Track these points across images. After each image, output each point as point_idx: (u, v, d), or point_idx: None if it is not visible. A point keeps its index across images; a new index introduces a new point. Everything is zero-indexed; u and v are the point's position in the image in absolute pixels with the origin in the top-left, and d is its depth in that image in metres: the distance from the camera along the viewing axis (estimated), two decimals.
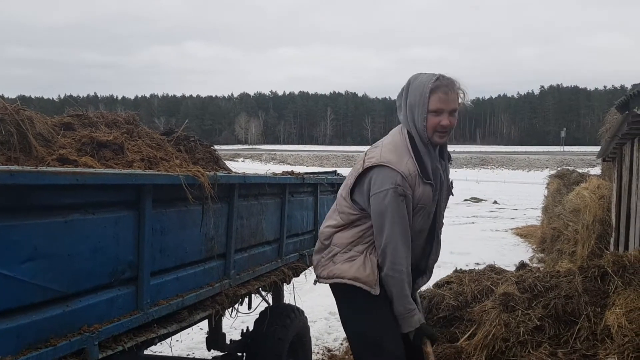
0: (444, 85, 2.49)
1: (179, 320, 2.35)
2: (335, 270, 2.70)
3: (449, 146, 2.87)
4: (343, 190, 2.76)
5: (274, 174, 3.64)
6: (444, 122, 2.51)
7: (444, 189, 2.73)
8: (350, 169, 2.82)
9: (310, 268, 4.21)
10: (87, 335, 1.81)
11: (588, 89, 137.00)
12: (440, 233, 2.85)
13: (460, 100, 2.57)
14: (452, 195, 2.87)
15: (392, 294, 2.60)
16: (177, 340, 5.49)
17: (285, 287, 4.07)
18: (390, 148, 2.60)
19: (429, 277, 2.92)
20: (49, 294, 1.72)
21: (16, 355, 1.59)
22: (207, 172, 2.48)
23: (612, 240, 7.33)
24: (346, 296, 2.74)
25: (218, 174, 2.59)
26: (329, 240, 2.76)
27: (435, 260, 2.88)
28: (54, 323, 1.73)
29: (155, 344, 2.42)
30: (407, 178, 2.50)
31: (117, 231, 2.01)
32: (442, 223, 2.84)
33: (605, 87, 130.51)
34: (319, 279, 2.84)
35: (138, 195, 2.10)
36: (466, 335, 4.58)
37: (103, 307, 1.94)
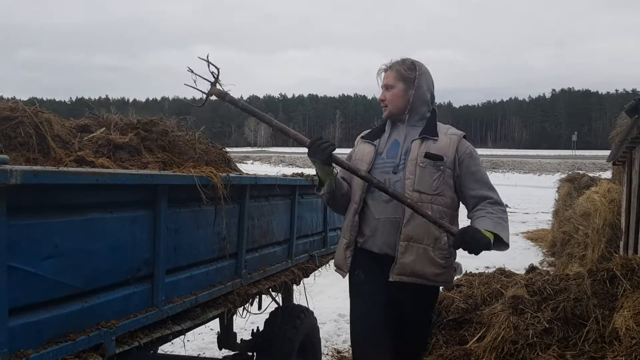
0: (382, 68, 2.86)
1: (192, 318, 2.41)
2: (337, 253, 2.93)
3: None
4: None
5: (285, 175, 3.69)
6: (380, 97, 2.87)
7: (411, 159, 2.65)
8: None
9: (320, 269, 4.27)
10: (105, 331, 1.87)
11: (600, 93, 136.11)
12: (420, 212, 2.54)
13: (399, 78, 2.78)
14: (436, 165, 2.64)
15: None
16: (189, 340, 5.54)
17: (296, 288, 4.12)
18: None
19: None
20: (69, 290, 1.78)
21: (37, 349, 1.65)
22: (220, 173, 2.54)
23: (622, 244, 7.31)
24: (353, 287, 2.84)
25: (230, 175, 2.65)
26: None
27: (409, 237, 2.62)
28: (73, 318, 1.79)
29: (170, 341, 2.48)
30: (357, 140, 2.97)
31: (133, 230, 2.07)
32: (419, 197, 2.60)
33: (617, 90, 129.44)
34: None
35: (154, 195, 2.16)
36: (475, 338, 4.60)
37: (120, 303, 2.00)
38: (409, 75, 2.77)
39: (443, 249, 2.63)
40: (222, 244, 2.69)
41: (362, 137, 2.93)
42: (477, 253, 2.46)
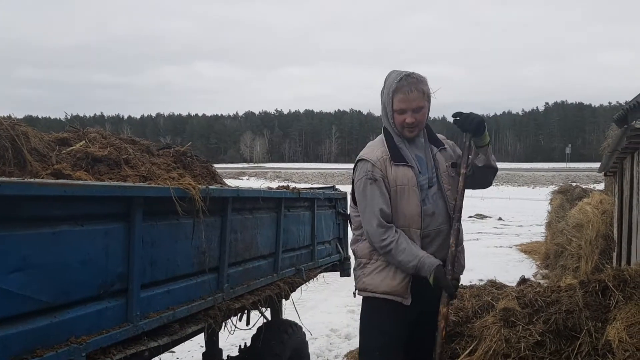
0: (405, 85, 2.67)
1: (170, 334, 2.35)
2: (368, 281, 2.81)
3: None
4: (349, 196, 3.01)
5: (269, 188, 3.65)
6: (408, 120, 2.70)
7: (442, 171, 2.81)
8: None
9: (307, 284, 4.21)
10: (75, 347, 1.81)
11: (593, 105, 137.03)
12: (458, 217, 2.79)
13: (424, 97, 2.72)
14: (462, 173, 2.81)
15: (395, 264, 2.70)
16: (177, 358, 5.48)
17: (287, 302, 4.06)
18: (369, 144, 2.91)
19: (458, 267, 2.87)
20: (37, 305, 1.73)
21: None
22: (200, 186, 2.50)
23: (614, 255, 7.28)
24: (374, 308, 2.81)
25: (210, 187, 2.61)
26: (355, 254, 2.93)
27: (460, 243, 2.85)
28: (41, 334, 1.73)
29: (147, 359, 2.41)
30: (377, 163, 2.73)
31: (106, 243, 2.02)
32: (459, 205, 2.78)
33: (610, 103, 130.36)
34: (357, 290, 2.91)
35: (128, 208, 2.11)
36: (467, 352, 4.54)
37: (92, 318, 1.95)
38: (429, 93, 2.77)
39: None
40: (202, 257, 2.64)
41: (393, 161, 2.73)
42: (477, 127, 2.72)
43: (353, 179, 2.87)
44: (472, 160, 2.86)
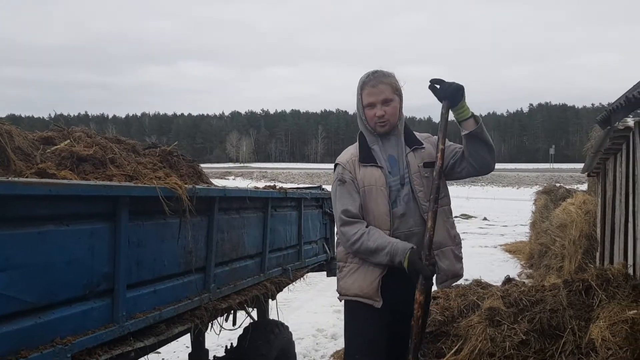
0: (371, 79, 2.72)
1: (156, 334, 2.33)
2: (344, 285, 2.80)
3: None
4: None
5: (256, 187, 3.64)
6: (378, 113, 2.71)
7: (413, 172, 2.75)
8: None
9: (294, 283, 4.21)
10: (60, 348, 1.79)
11: (576, 107, 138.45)
12: (435, 199, 2.65)
13: (392, 90, 2.72)
14: (439, 149, 2.70)
15: (369, 257, 2.67)
16: (163, 359, 5.44)
17: (273, 302, 4.06)
18: (346, 149, 2.93)
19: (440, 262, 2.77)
20: (21, 305, 1.70)
21: None
22: (186, 185, 2.49)
23: (597, 254, 7.36)
24: (353, 312, 2.80)
25: (197, 187, 2.59)
26: (339, 255, 2.89)
27: (439, 245, 2.76)
28: (25, 335, 1.71)
29: (136, 359, 2.39)
30: (346, 165, 2.78)
31: (92, 243, 2.00)
32: (436, 185, 2.65)
33: (593, 104, 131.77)
34: (339, 290, 2.89)
35: (114, 207, 2.09)
36: (452, 351, 4.57)
37: (77, 319, 1.93)
38: (398, 87, 2.78)
39: (459, 244, 2.89)
40: (188, 257, 2.62)
41: (361, 162, 2.75)
42: (452, 95, 2.63)
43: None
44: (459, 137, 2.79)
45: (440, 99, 2.68)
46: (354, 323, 2.79)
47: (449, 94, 2.63)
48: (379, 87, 2.70)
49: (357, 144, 2.86)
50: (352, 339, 2.81)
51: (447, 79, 2.67)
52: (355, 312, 2.77)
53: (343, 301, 2.86)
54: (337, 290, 2.87)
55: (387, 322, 2.74)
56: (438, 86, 2.67)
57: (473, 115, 2.69)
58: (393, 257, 2.59)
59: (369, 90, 2.72)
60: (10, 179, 1.66)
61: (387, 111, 2.71)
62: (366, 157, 2.77)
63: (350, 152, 2.84)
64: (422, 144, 2.84)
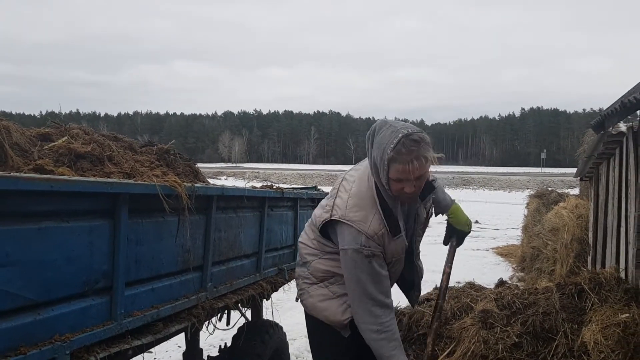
0: (404, 154, 2.22)
1: (153, 332, 2.32)
2: (309, 303, 2.71)
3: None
4: (316, 218, 2.62)
5: (254, 187, 3.64)
6: (407, 190, 2.32)
7: (418, 225, 2.66)
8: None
9: (289, 283, 4.20)
10: (59, 345, 1.78)
11: (568, 112, 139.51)
12: (418, 259, 2.82)
13: (427, 164, 2.30)
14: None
15: (374, 351, 2.50)
16: (155, 358, 5.42)
17: (266, 303, 4.05)
18: (356, 202, 2.44)
19: (419, 292, 2.97)
20: (20, 302, 1.70)
21: None
22: (185, 183, 2.48)
23: (589, 258, 7.41)
24: (318, 329, 2.75)
25: (196, 185, 2.59)
26: (308, 263, 2.69)
27: (419, 279, 2.89)
28: (24, 331, 1.70)
29: (130, 357, 2.38)
30: (374, 237, 2.38)
31: (91, 240, 1.99)
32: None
33: (584, 109, 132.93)
34: (299, 299, 2.82)
35: (114, 204, 2.09)
36: (445, 353, 4.58)
37: (76, 316, 1.92)
38: (432, 157, 2.32)
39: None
40: (186, 256, 2.62)
41: (392, 235, 2.42)
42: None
43: (326, 228, 2.54)
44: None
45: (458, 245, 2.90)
46: (320, 343, 2.77)
47: (462, 241, 2.90)
48: (414, 165, 2.23)
49: (376, 204, 2.41)
50: (319, 353, 2.79)
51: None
52: (321, 332, 2.71)
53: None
54: (301, 298, 2.76)
55: (354, 343, 2.63)
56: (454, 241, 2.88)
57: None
58: None
59: (399, 168, 2.24)
60: (12, 174, 1.65)
61: (418, 186, 2.33)
62: (394, 228, 2.42)
63: (376, 220, 2.39)
64: (433, 189, 2.61)
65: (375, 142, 2.32)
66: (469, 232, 2.86)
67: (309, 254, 2.69)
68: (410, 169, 2.23)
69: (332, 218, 2.45)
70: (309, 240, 2.71)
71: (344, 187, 2.54)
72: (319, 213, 2.59)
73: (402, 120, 2.65)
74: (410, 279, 2.84)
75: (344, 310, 2.58)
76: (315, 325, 2.75)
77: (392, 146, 2.22)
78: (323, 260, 2.62)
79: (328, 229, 2.54)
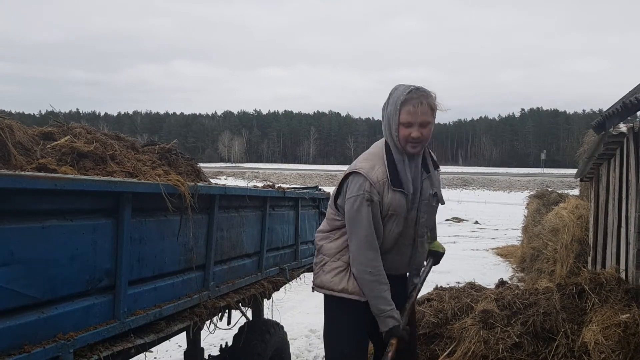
0: (414, 98, 2.57)
1: (156, 331, 2.33)
2: (326, 280, 2.81)
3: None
4: (331, 198, 2.89)
5: (255, 186, 3.65)
6: (414, 134, 2.59)
7: (423, 199, 2.77)
8: (333, 187, 2.95)
9: (290, 283, 4.21)
10: (62, 343, 1.79)
11: (567, 112, 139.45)
12: (424, 242, 2.89)
13: (432, 113, 2.63)
14: (443, 204, 2.92)
15: (366, 294, 2.70)
16: (155, 358, 5.42)
17: (267, 302, 4.05)
18: (366, 156, 2.76)
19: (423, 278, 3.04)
20: (24, 300, 1.70)
21: None
22: (188, 183, 2.49)
23: (590, 259, 7.42)
24: (334, 306, 2.83)
25: (199, 184, 2.60)
26: (320, 250, 2.87)
27: (418, 265, 2.94)
28: (28, 330, 1.71)
29: (132, 356, 2.39)
30: (375, 185, 2.62)
31: (95, 239, 2.00)
32: (427, 233, 2.88)
33: (584, 110, 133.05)
34: (314, 286, 2.91)
35: (117, 203, 2.09)
36: (446, 353, 4.59)
37: (79, 315, 1.92)
38: (436, 108, 2.67)
39: None
40: (189, 255, 2.62)
41: (392, 186, 2.64)
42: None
43: (341, 186, 2.77)
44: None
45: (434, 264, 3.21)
46: (337, 323, 2.82)
47: (439, 261, 3.23)
48: (422, 107, 2.57)
49: (382, 157, 2.69)
50: (339, 333, 2.82)
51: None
52: (339, 310, 2.80)
53: (323, 298, 2.88)
54: (317, 284, 2.86)
55: (371, 318, 2.74)
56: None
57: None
58: (378, 317, 2.68)
59: (411, 109, 2.57)
60: (17, 172, 1.65)
61: (423, 133, 2.61)
62: (396, 180, 2.65)
63: (380, 170, 2.66)
64: (438, 167, 2.89)
65: (390, 99, 2.67)
66: (444, 254, 3.24)
67: (321, 238, 2.88)
68: (418, 111, 2.56)
69: (348, 171, 2.74)
70: (322, 225, 2.93)
71: (362, 154, 2.87)
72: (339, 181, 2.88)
73: None
74: (412, 259, 2.87)
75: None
76: (335, 306, 2.82)
77: (405, 93, 2.59)
78: (332, 240, 2.83)
79: (339, 194, 2.80)
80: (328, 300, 2.85)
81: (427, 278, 3.17)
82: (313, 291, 2.94)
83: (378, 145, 2.78)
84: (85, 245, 1.96)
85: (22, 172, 1.70)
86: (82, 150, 2.66)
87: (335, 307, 2.84)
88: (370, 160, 2.71)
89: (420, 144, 2.64)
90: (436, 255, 3.19)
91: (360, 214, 2.63)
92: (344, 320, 2.79)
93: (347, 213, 2.69)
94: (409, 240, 2.79)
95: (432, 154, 2.87)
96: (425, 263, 3.03)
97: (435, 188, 2.83)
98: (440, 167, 2.99)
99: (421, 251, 2.88)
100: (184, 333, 2.97)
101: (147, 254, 2.31)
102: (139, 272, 2.26)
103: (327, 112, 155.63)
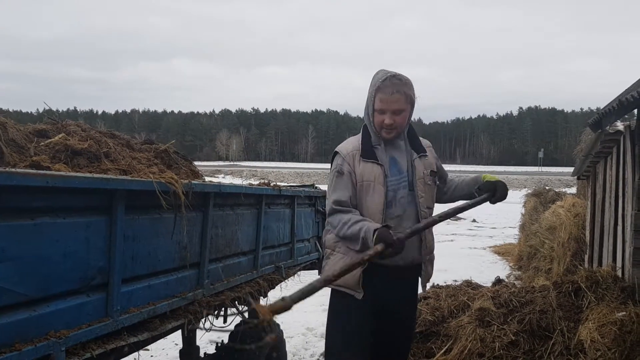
0: (387, 86, 2.64)
1: (150, 329, 2.32)
2: (326, 272, 2.77)
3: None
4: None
5: (251, 184, 3.64)
6: (387, 121, 2.67)
7: (418, 178, 2.78)
8: None
9: (286, 281, 4.20)
10: (54, 341, 1.78)
11: (565, 111, 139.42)
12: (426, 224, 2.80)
13: (406, 100, 2.68)
14: (437, 183, 2.95)
15: (351, 246, 2.67)
16: (152, 356, 5.41)
17: (263, 301, 4.05)
18: (348, 139, 2.89)
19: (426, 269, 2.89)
20: (15, 298, 1.69)
21: None
22: (182, 180, 2.48)
23: (586, 257, 7.43)
24: (333, 299, 2.86)
25: (193, 182, 2.58)
26: (327, 242, 2.88)
27: (430, 250, 2.89)
28: (19, 327, 1.70)
29: (126, 355, 2.38)
30: (346, 157, 2.73)
31: (87, 236, 1.99)
32: (428, 212, 2.81)
33: (582, 109, 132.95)
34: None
35: (110, 201, 2.08)
36: (442, 351, 4.59)
37: (71, 312, 1.92)
38: (412, 96, 2.73)
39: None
40: (183, 253, 2.61)
41: (362, 157, 2.73)
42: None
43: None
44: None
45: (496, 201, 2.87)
46: (335, 314, 2.84)
47: (503, 198, 2.85)
48: (394, 96, 2.65)
49: (359, 136, 2.82)
50: (332, 331, 2.85)
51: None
52: (337, 303, 2.81)
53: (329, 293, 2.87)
54: (323, 278, 2.86)
55: (370, 317, 2.73)
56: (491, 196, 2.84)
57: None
58: (366, 239, 2.53)
59: (383, 97, 2.66)
60: (8, 169, 1.64)
61: (397, 120, 2.69)
62: (368, 153, 2.74)
63: (352, 144, 2.79)
64: (425, 152, 2.89)
65: (371, 83, 2.74)
66: (503, 185, 2.89)
67: (324, 233, 2.92)
68: (391, 99, 2.64)
69: (334, 150, 2.85)
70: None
71: None
72: None
73: None
74: (425, 245, 2.82)
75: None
76: (334, 300, 2.85)
77: (380, 80, 2.67)
78: (331, 231, 2.82)
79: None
80: (331, 295, 2.87)
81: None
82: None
83: (358, 133, 2.89)
84: (78, 242, 1.95)
85: (14, 169, 1.69)
86: (76, 147, 2.65)
87: (333, 301, 2.85)
88: (347, 141, 2.86)
89: (395, 130, 2.72)
90: (500, 187, 2.85)
91: (331, 185, 2.76)
92: (345, 316, 2.79)
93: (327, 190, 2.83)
94: (412, 222, 2.72)
95: (420, 139, 2.92)
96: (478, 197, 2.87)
97: (432, 167, 2.87)
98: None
99: (429, 237, 2.83)
100: (181, 331, 2.96)
101: (141, 251, 2.30)
102: (133, 269, 2.25)
103: (325, 110, 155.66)
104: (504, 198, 2.85)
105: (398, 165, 2.78)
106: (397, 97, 2.65)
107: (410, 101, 2.71)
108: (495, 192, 2.82)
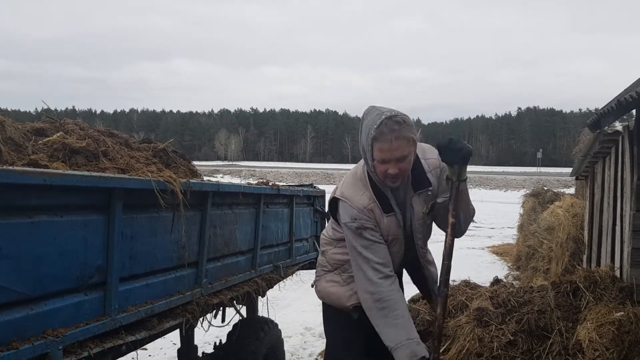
0: (385, 133, 2.30)
1: (148, 328, 2.32)
2: (322, 288, 2.82)
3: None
4: (327, 204, 2.89)
5: (249, 183, 3.63)
6: (391, 171, 2.38)
7: (417, 219, 2.60)
8: (329, 185, 2.89)
9: (284, 281, 4.20)
10: (51, 340, 1.77)
11: (564, 112, 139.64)
12: (426, 260, 2.78)
13: (409, 144, 2.36)
14: (450, 223, 2.57)
15: (374, 324, 2.51)
16: (150, 355, 5.41)
17: (261, 300, 4.05)
18: (350, 181, 2.60)
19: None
20: (13, 296, 1.69)
21: None
22: (180, 179, 2.47)
23: (584, 257, 7.43)
24: (329, 313, 2.85)
25: (191, 181, 2.58)
26: (324, 253, 2.84)
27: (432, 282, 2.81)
28: (16, 326, 1.69)
29: (124, 354, 2.37)
30: (363, 211, 2.48)
31: (85, 235, 1.98)
32: (447, 266, 2.57)
33: (580, 109, 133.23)
34: (315, 284, 2.91)
35: (108, 199, 2.08)
36: (440, 351, 4.58)
37: (69, 311, 1.91)
38: (414, 136, 2.40)
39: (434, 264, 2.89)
40: (181, 252, 2.61)
41: (384, 212, 2.49)
42: (465, 158, 2.40)
43: (333, 213, 2.67)
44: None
45: (450, 164, 2.43)
46: (333, 327, 2.84)
47: (460, 159, 2.40)
48: (395, 144, 2.31)
49: (365, 183, 2.53)
50: (333, 342, 2.87)
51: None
52: (334, 315, 2.81)
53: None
54: (316, 285, 2.87)
55: (365, 324, 2.64)
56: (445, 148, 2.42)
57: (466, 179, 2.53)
58: (395, 350, 2.41)
59: (382, 146, 2.33)
60: (5, 167, 1.64)
61: (402, 168, 2.38)
62: (387, 207, 2.50)
63: (365, 196, 2.51)
64: (430, 185, 2.59)
65: (363, 127, 2.43)
66: (469, 151, 2.42)
67: (325, 243, 2.83)
68: (392, 148, 2.31)
69: (334, 196, 2.61)
70: (327, 230, 2.87)
71: (347, 174, 2.72)
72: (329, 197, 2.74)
73: None
74: (419, 278, 2.83)
75: (349, 296, 2.69)
76: (329, 311, 2.84)
77: (375, 127, 2.32)
78: (337, 249, 2.75)
79: (336, 209, 2.64)
80: (325, 305, 2.87)
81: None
82: (312, 286, 2.95)
83: (361, 168, 2.60)
84: (76, 241, 1.94)
85: (11, 167, 1.69)
86: (74, 146, 2.65)
87: (328, 312, 2.86)
88: (355, 187, 2.56)
89: (400, 178, 2.44)
90: (455, 156, 2.40)
91: (355, 241, 2.50)
92: (340, 327, 2.79)
93: (345, 237, 2.58)
94: (410, 262, 2.74)
95: (422, 163, 2.59)
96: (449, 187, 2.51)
97: (432, 199, 2.61)
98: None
99: (433, 270, 2.80)
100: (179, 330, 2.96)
101: (139, 250, 2.30)
102: (131, 268, 2.24)
103: (324, 110, 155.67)
104: (463, 161, 2.42)
105: (404, 207, 2.60)
106: (398, 144, 2.32)
107: (413, 142, 2.38)
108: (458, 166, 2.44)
